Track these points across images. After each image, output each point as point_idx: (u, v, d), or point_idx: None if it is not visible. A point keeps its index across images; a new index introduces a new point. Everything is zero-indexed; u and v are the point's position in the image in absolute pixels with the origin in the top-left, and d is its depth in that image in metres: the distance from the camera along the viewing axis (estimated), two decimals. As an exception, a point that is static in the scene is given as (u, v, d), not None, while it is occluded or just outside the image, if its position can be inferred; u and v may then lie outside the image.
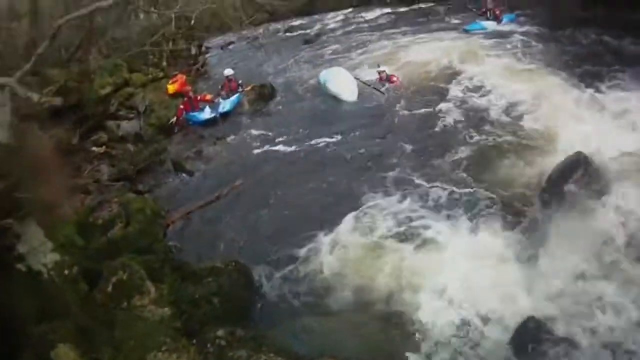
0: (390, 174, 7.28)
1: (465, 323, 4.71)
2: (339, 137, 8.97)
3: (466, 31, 14.72)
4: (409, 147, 8.00)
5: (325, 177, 7.66)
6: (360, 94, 10.72)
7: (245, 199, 7.27)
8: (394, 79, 10.90)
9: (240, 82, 12.10)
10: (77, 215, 5.75)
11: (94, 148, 9.46)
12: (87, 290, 4.67)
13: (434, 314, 4.86)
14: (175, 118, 11.16)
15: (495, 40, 12.95)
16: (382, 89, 10.64)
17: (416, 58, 12.34)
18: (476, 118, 8.63)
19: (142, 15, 16.34)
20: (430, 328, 4.72)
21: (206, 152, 9.37)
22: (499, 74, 10.25)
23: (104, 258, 5.00)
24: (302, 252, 6.03)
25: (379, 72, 11.00)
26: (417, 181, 6.92)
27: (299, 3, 28.54)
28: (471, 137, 7.99)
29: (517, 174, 6.79)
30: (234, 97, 11.66)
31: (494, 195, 6.39)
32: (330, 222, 6.38)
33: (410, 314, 4.91)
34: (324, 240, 6.14)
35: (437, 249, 5.68)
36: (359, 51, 14.62)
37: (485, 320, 4.71)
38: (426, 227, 6.05)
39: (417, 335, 4.69)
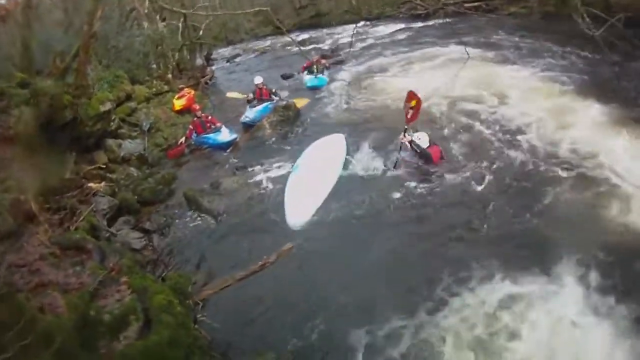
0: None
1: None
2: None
3: (310, 88, 12.48)
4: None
5: (403, 231, 6.02)
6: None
7: (296, 264, 5.45)
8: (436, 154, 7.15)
9: (273, 90, 10.96)
10: (69, 312, 3.48)
11: (90, 184, 7.61)
12: None
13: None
14: (184, 139, 9.94)
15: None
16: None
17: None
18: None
19: (146, 25, 14.98)
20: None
21: (225, 184, 7.92)
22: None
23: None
24: (380, 345, 4.40)
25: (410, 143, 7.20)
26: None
27: (305, 16, 27.64)
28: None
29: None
30: (260, 107, 10.49)
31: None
32: (413, 300, 4.81)
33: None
34: (408, 328, 4.54)
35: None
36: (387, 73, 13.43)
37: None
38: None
39: None
